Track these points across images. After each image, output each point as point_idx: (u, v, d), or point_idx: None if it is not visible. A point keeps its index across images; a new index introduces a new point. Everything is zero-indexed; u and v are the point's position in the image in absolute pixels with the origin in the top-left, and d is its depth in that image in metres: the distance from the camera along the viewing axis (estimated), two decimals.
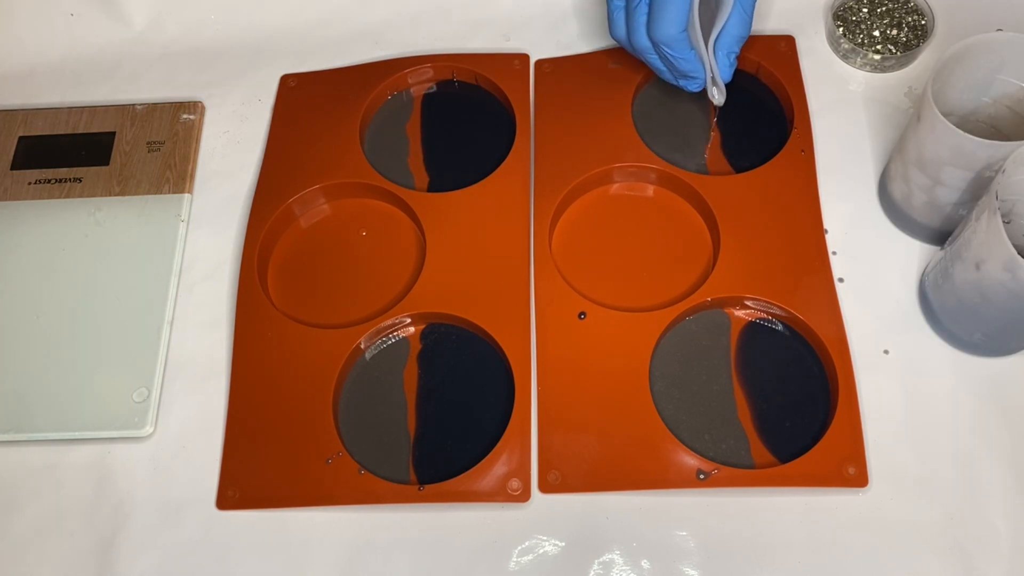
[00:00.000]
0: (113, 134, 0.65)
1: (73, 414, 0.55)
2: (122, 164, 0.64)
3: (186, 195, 0.63)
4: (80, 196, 0.63)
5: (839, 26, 0.65)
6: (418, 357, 0.56)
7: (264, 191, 0.62)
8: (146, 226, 0.61)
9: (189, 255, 0.61)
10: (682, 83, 0.59)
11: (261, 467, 0.53)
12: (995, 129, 0.56)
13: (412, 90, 0.67)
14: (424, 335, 0.57)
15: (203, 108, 0.67)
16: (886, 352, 0.55)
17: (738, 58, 0.57)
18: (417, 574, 0.50)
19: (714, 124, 0.63)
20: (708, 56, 0.56)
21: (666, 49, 0.55)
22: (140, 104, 0.67)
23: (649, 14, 0.54)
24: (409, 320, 0.57)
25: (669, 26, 0.53)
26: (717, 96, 0.59)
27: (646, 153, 0.61)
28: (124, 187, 0.63)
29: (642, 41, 0.56)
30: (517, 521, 0.51)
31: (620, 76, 0.64)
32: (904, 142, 0.55)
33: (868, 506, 0.50)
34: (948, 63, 0.51)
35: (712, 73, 0.57)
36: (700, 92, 0.59)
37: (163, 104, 0.67)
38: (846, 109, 0.63)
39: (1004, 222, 0.47)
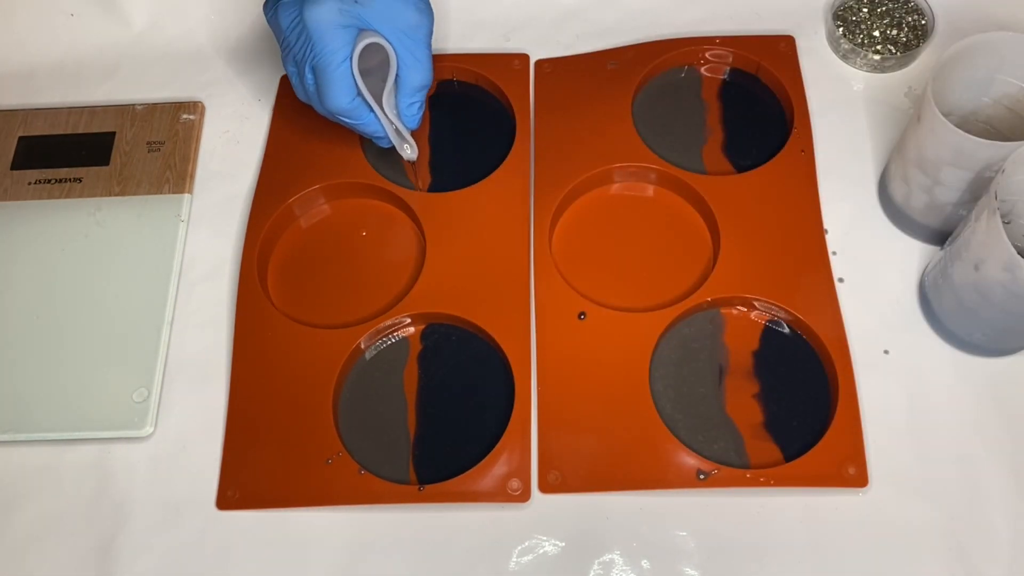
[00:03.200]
0: (113, 134, 0.65)
1: (73, 414, 0.55)
2: (122, 164, 0.64)
3: (186, 195, 0.63)
4: (80, 196, 0.63)
5: (839, 26, 0.65)
6: (418, 357, 0.56)
7: (264, 191, 0.62)
8: (146, 226, 0.61)
9: (189, 255, 0.61)
10: (374, 141, 0.57)
11: (261, 467, 0.53)
12: (995, 129, 0.56)
13: None
14: (424, 335, 0.57)
15: (203, 108, 0.67)
16: (886, 352, 0.55)
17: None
18: (417, 574, 0.50)
19: (413, 181, 0.60)
20: (385, 115, 0.54)
21: (343, 118, 0.54)
22: (140, 104, 0.66)
23: (316, 86, 0.53)
24: (409, 320, 0.57)
25: (339, 98, 0.52)
26: (408, 151, 0.57)
27: (646, 153, 0.61)
28: (124, 187, 0.63)
29: (321, 108, 0.54)
30: (517, 521, 0.51)
31: (620, 76, 0.64)
32: (904, 142, 0.55)
33: (868, 506, 0.50)
34: (948, 63, 0.51)
35: (396, 127, 0.55)
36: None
37: (163, 104, 0.66)
38: (846, 109, 0.63)
39: (1004, 222, 0.47)
